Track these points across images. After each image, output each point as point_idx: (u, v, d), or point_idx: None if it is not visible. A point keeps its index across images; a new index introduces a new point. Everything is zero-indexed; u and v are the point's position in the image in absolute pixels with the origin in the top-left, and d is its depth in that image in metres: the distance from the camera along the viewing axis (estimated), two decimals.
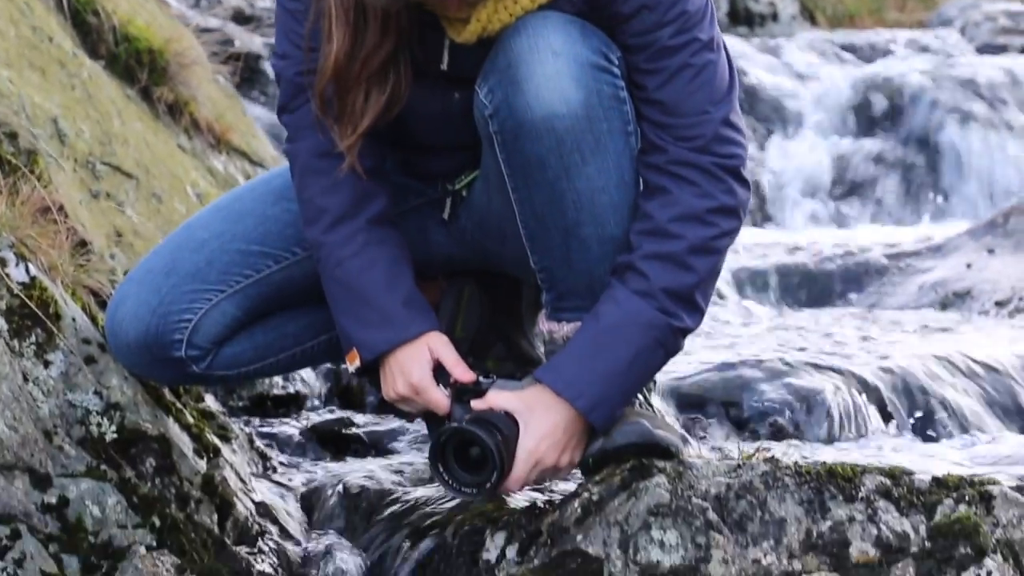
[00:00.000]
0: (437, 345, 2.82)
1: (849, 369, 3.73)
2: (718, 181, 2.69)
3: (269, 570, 2.94)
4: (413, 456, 3.37)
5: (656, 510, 2.65)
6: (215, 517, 2.96)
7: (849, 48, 8.24)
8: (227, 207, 3.02)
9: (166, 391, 3.08)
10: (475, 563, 2.83)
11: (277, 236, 2.97)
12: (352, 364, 2.85)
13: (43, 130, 3.58)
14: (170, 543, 2.82)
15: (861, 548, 2.63)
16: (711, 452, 3.17)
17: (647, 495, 2.67)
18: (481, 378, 2.83)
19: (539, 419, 2.73)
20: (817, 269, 5.30)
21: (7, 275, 2.89)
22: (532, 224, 2.75)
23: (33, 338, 2.87)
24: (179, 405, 3.11)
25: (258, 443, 3.40)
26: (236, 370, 2.99)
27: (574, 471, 2.84)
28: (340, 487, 3.19)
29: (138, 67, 4.23)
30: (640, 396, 2.87)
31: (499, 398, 2.76)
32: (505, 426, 2.73)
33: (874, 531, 2.63)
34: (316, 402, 3.78)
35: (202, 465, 3.01)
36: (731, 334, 4.36)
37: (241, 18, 6.20)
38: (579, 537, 2.69)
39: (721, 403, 3.61)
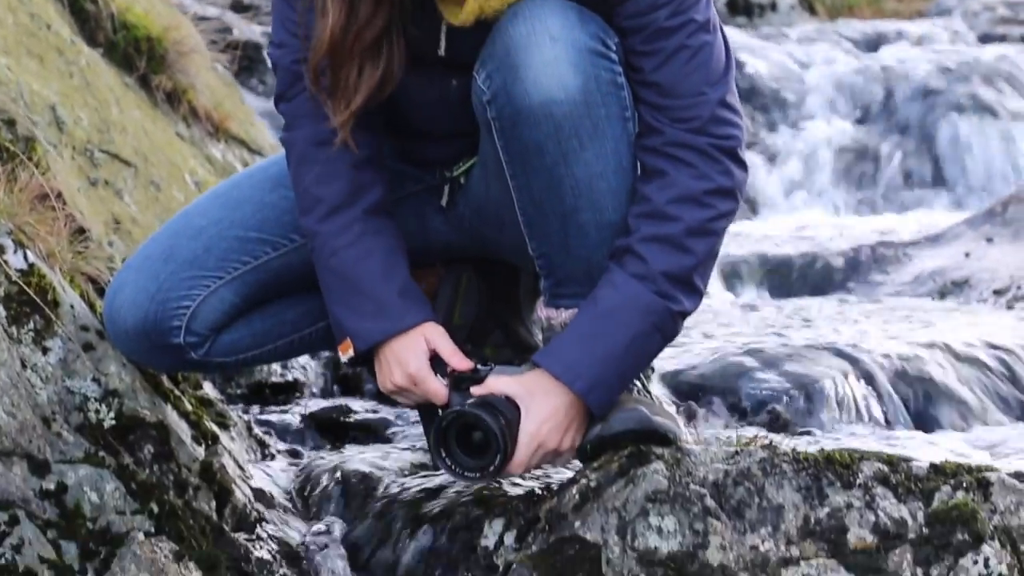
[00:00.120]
0: (433, 335, 2.82)
1: (847, 357, 3.73)
2: (715, 162, 2.69)
3: (267, 556, 2.94)
4: (412, 443, 3.37)
5: (654, 496, 2.66)
6: (213, 504, 2.97)
7: (848, 38, 8.24)
8: (225, 194, 3.02)
9: (164, 378, 3.09)
10: (473, 549, 2.83)
11: (275, 223, 2.97)
12: (345, 354, 2.84)
13: (41, 117, 3.58)
14: (168, 529, 2.83)
15: (859, 534, 2.63)
16: (709, 439, 3.17)
17: (645, 481, 2.67)
18: (479, 366, 2.83)
19: (540, 402, 2.73)
20: (815, 258, 5.30)
21: (5, 262, 2.89)
22: (530, 210, 2.75)
23: (31, 325, 2.88)
24: (177, 392, 3.11)
25: (256, 430, 3.40)
26: (234, 357, 2.99)
27: (572, 459, 2.85)
28: (338, 474, 3.19)
29: (136, 55, 4.24)
30: (638, 383, 2.87)
31: (499, 383, 2.77)
32: (507, 410, 2.73)
33: (872, 517, 2.63)
34: (314, 390, 3.78)
35: (200, 452, 3.01)
36: (729, 323, 4.36)
37: (239, 7, 6.21)
38: (577, 523, 2.69)
39: (719, 391, 3.61)
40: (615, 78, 2.67)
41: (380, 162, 2.88)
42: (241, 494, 3.03)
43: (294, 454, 3.40)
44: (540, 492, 2.85)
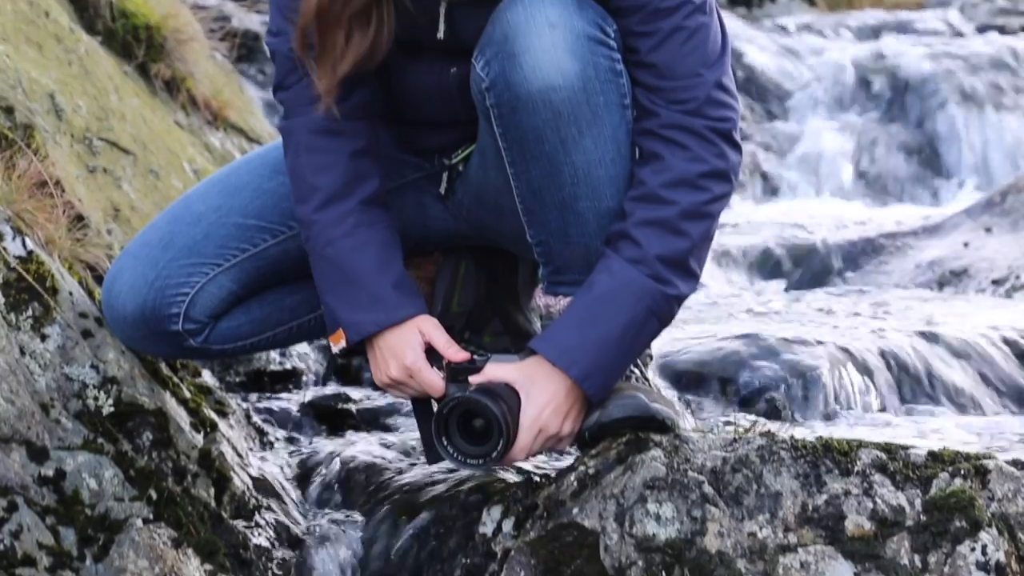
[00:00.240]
0: (428, 328, 2.82)
1: (846, 346, 3.73)
2: (710, 145, 2.69)
3: (266, 544, 2.94)
4: (410, 431, 3.37)
5: (652, 483, 2.66)
6: (212, 491, 2.97)
7: (848, 28, 8.23)
8: (223, 180, 3.02)
9: (163, 365, 3.09)
10: (471, 536, 2.83)
11: (273, 210, 2.97)
12: (336, 345, 2.83)
13: (40, 105, 3.58)
14: (167, 516, 2.83)
15: (856, 522, 2.63)
16: (707, 427, 3.18)
17: (643, 468, 2.68)
18: (475, 356, 2.83)
19: (540, 388, 2.73)
20: (814, 247, 5.30)
21: (4, 249, 2.89)
22: (529, 198, 2.75)
23: (30, 312, 2.88)
24: (176, 380, 3.11)
25: (255, 418, 3.41)
26: (233, 344, 2.99)
27: (572, 445, 2.85)
28: (337, 462, 3.19)
29: (135, 43, 4.23)
30: (636, 370, 2.87)
31: (498, 370, 2.77)
32: (507, 396, 2.73)
33: (869, 505, 2.64)
34: (313, 378, 3.78)
35: (199, 439, 3.02)
36: (728, 311, 4.36)
37: None
38: (575, 510, 2.69)
39: (718, 379, 3.62)
40: (613, 65, 2.67)
41: (378, 152, 2.88)
42: (240, 481, 3.04)
43: (293, 442, 3.40)
44: (538, 479, 2.86)
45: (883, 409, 3.60)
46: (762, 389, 3.56)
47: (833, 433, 3.03)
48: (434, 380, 2.80)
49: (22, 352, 2.84)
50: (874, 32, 8.23)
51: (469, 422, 2.75)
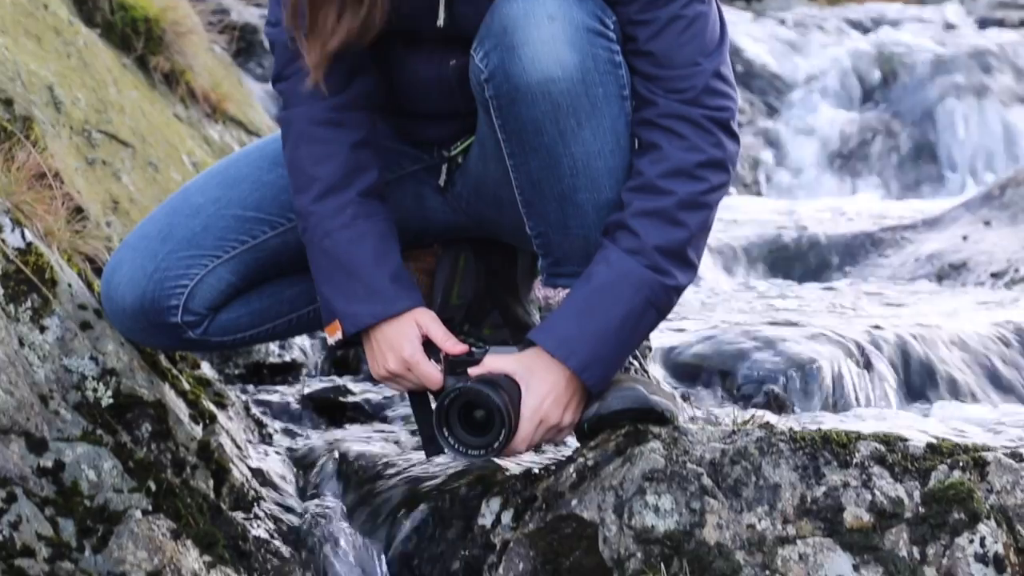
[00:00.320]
0: (425, 320, 2.82)
1: (844, 339, 3.73)
2: (707, 134, 2.69)
3: (265, 535, 2.94)
4: (409, 424, 3.38)
5: (651, 475, 2.66)
6: (211, 483, 2.97)
7: (847, 21, 8.23)
8: (222, 172, 3.02)
9: (162, 357, 3.09)
10: (470, 528, 2.84)
11: (272, 202, 2.96)
12: (332, 336, 2.83)
13: (38, 97, 3.58)
14: (166, 508, 2.83)
15: (855, 513, 2.63)
16: (706, 419, 3.18)
17: (642, 460, 2.68)
18: (473, 349, 2.83)
19: (539, 379, 2.73)
20: (813, 241, 5.30)
21: (3, 240, 2.89)
22: (528, 190, 2.75)
23: (29, 303, 2.88)
24: (175, 371, 3.11)
25: (254, 410, 3.41)
26: (232, 336, 2.99)
27: (571, 436, 2.85)
28: (336, 454, 3.19)
29: (134, 36, 4.23)
30: (635, 362, 2.87)
31: (497, 362, 2.77)
32: (508, 387, 2.73)
33: (868, 497, 2.64)
34: (312, 370, 3.78)
35: (198, 431, 3.02)
36: (726, 304, 4.36)
37: None
38: (574, 502, 2.69)
39: (716, 372, 3.62)
40: (613, 57, 2.67)
41: (377, 144, 2.88)
42: (239, 473, 3.04)
43: (291, 434, 3.40)
44: (537, 471, 2.86)
45: (882, 402, 3.61)
46: (761, 382, 3.57)
47: (832, 425, 3.03)
48: (432, 373, 2.80)
49: (21, 343, 2.84)
50: (873, 26, 8.23)
51: (470, 413, 2.74)
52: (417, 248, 3.06)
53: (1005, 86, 7.20)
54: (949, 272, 4.80)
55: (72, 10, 4.08)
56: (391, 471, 3.10)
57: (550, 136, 2.67)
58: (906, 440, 2.72)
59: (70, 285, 2.95)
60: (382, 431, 3.35)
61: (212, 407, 3.14)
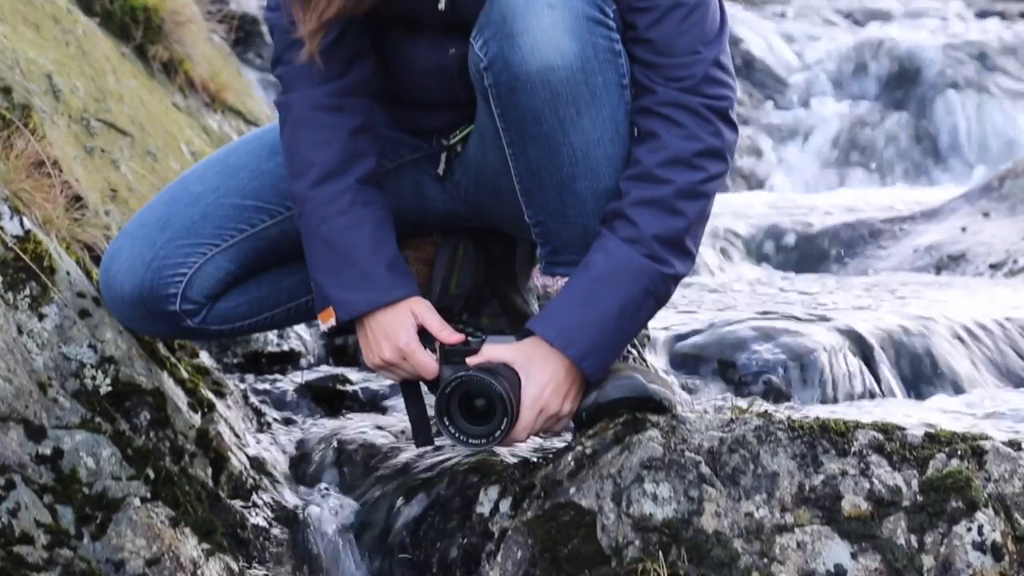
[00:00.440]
0: (420, 310, 2.81)
1: (843, 329, 3.74)
2: (706, 123, 2.69)
3: (263, 523, 2.95)
4: (406, 412, 3.37)
5: (649, 463, 2.66)
6: (209, 471, 2.97)
7: (846, 14, 8.22)
8: (221, 161, 3.02)
9: (160, 346, 3.09)
10: (468, 516, 2.84)
11: (271, 190, 2.96)
12: (325, 323, 2.82)
13: (37, 86, 3.58)
14: (164, 495, 2.83)
15: (853, 502, 2.64)
16: (704, 407, 3.17)
17: (640, 448, 2.68)
18: (469, 338, 2.83)
19: (539, 368, 2.73)
20: (812, 232, 5.30)
21: (1, 228, 2.89)
22: (527, 179, 2.75)
23: (27, 291, 2.88)
24: (173, 360, 3.11)
25: (252, 399, 3.41)
26: (231, 325, 2.99)
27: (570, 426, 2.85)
28: (334, 443, 3.19)
29: (133, 24, 4.23)
30: (634, 351, 2.87)
31: (496, 350, 2.77)
32: (508, 376, 2.73)
33: (866, 485, 2.64)
34: (311, 359, 3.78)
35: (196, 419, 3.02)
36: (726, 295, 4.36)
37: None
38: (572, 490, 2.69)
39: (715, 362, 3.62)
40: (612, 45, 2.67)
41: (375, 131, 2.87)
42: (237, 461, 3.04)
43: (290, 423, 3.40)
44: (535, 460, 2.86)
45: (880, 391, 3.61)
46: (760, 372, 3.57)
47: (830, 415, 3.03)
48: (427, 362, 2.80)
49: (20, 331, 2.84)
50: (873, 17, 8.22)
51: (470, 402, 2.74)
52: (416, 237, 3.06)
53: (1005, 78, 7.20)
54: (948, 263, 4.80)
55: None
56: (389, 460, 3.10)
57: (549, 125, 2.67)
58: (904, 429, 2.72)
59: (69, 273, 2.95)
60: (380, 420, 3.35)
61: (211, 395, 3.14)
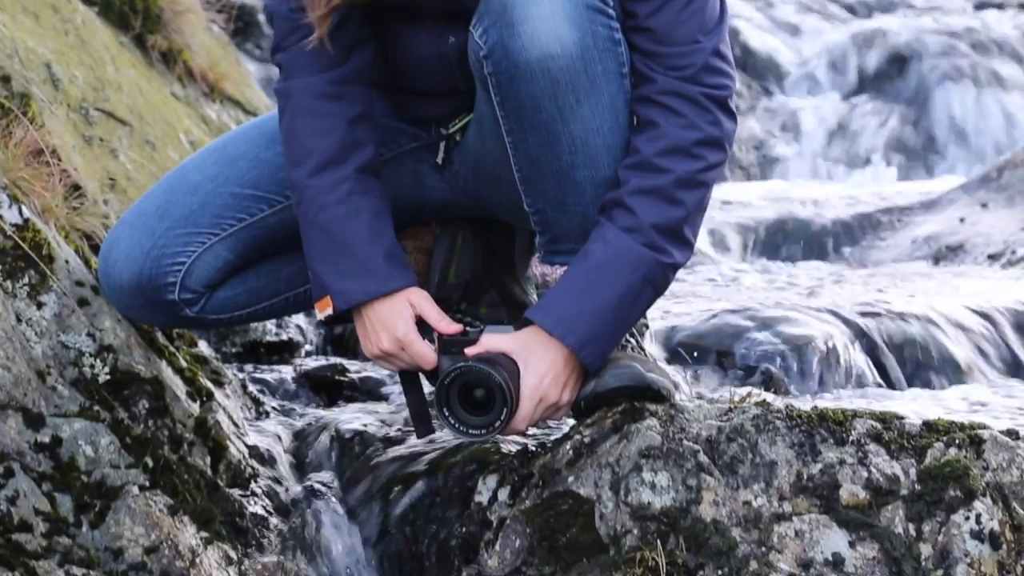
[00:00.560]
0: (418, 300, 2.81)
1: (842, 319, 3.74)
2: (705, 112, 2.69)
3: (261, 512, 2.95)
4: (405, 401, 3.37)
5: (647, 452, 2.66)
6: (208, 459, 2.97)
7: (844, 5, 8.22)
8: (220, 150, 3.02)
9: (159, 335, 3.09)
10: (467, 505, 2.84)
11: (270, 179, 2.96)
12: (322, 312, 2.82)
13: (36, 74, 3.57)
14: (163, 484, 2.83)
15: (851, 491, 2.64)
16: (703, 397, 3.18)
17: (639, 437, 2.68)
18: (468, 328, 2.83)
19: (538, 357, 2.73)
20: (810, 223, 5.31)
21: (0, 216, 2.89)
22: (526, 167, 2.75)
23: (26, 279, 2.88)
24: (172, 349, 3.11)
25: (251, 388, 3.41)
26: (229, 314, 2.99)
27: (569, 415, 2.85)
28: (333, 432, 3.20)
29: (132, 14, 4.23)
30: (633, 340, 2.88)
31: (494, 340, 2.76)
32: (507, 365, 2.73)
33: (864, 474, 2.64)
34: (309, 349, 3.78)
35: (195, 408, 3.02)
36: (724, 285, 4.37)
37: None
38: (571, 479, 2.69)
39: (714, 352, 3.62)
40: (612, 34, 2.67)
41: (374, 120, 2.87)
42: (236, 450, 3.04)
43: (288, 412, 3.41)
44: (534, 448, 2.86)
45: (879, 381, 3.61)
46: (758, 361, 3.57)
47: (829, 404, 3.04)
48: (426, 352, 2.80)
49: (18, 319, 2.84)
50: (870, 9, 8.22)
51: (470, 392, 2.74)
52: (415, 227, 3.06)
53: (1003, 69, 7.20)
54: (946, 254, 4.81)
55: None
56: (387, 449, 3.11)
57: (549, 113, 2.67)
58: (902, 418, 2.72)
59: (67, 261, 2.95)
60: (378, 409, 3.35)
61: (209, 384, 3.14)
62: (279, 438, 3.23)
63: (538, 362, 2.73)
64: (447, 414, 2.73)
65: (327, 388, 3.54)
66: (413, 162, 2.99)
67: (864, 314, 3.78)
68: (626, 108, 2.71)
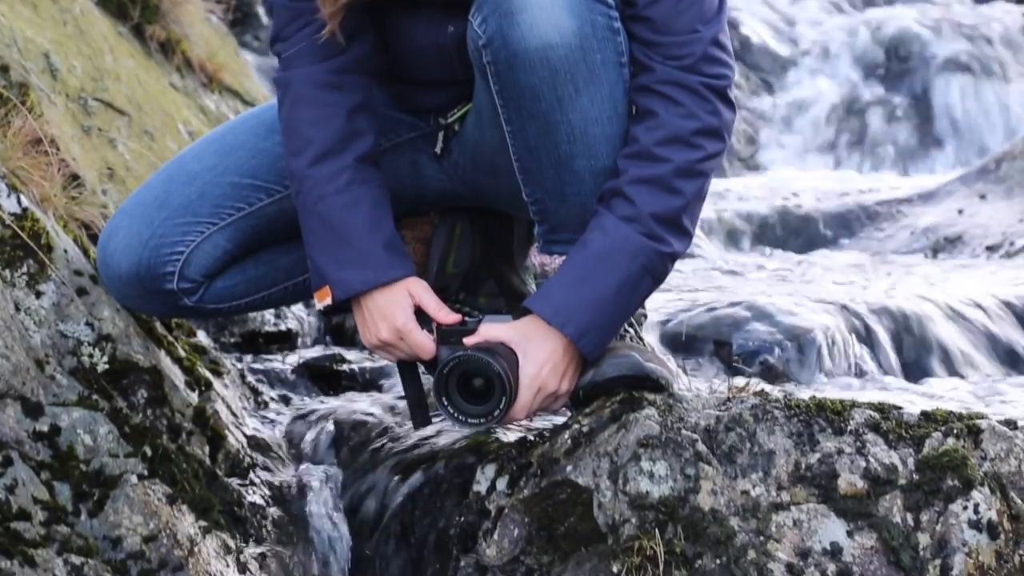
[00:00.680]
0: (417, 290, 2.81)
1: (840, 310, 3.74)
2: (704, 101, 2.69)
3: (260, 501, 2.95)
4: (403, 392, 3.37)
5: (646, 441, 2.66)
6: (206, 449, 2.98)
7: None
8: (219, 140, 3.02)
9: (158, 324, 3.09)
10: (465, 495, 2.84)
11: (269, 169, 2.96)
12: (321, 302, 2.82)
13: (34, 64, 3.57)
14: (161, 473, 2.84)
15: (849, 480, 2.64)
16: (701, 387, 3.18)
17: (637, 427, 2.68)
18: (466, 318, 2.83)
19: (537, 346, 2.73)
20: (809, 214, 5.31)
21: None
22: (525, 157, 2.75)
23: (25, 268, 2.88)
24: (171, 338, 3.11)
25: (250, 378, 3.41)
26: (228, 303, 2.99)
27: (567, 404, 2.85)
28: (331, 422, 3.20)
29: (130, 4, 4.22)
30: (631, 330, 2.88)
31: (493, 330, 2.77)
32: (506, 355, 2.73)
33: (862, 463, 2.64)
34: (308, 339, 3.78)
35: (194, 398, 3.02)
36: (723, 276, 4.37)
37: None
38: (569, 468, 2.69)
39: (712, 342, 3.62)
40: (611, 23, 2.67)
41: (374, 110, 2.87)
42: (234, 440, 3.04)
43: (287, 402, 3.41)
44: (532, 438, 2.86)
45: (877, 372, 3.61)
46: (757, 352, 3.57)
47: (827, 394, 3.04)
48: (424, 342, 2.80)
49: (17, 308, 2.84)
50: (871, 1, 8.21)
51: (468, 382, 2.74)
52: (413, 216, 3.06)
53: (1002, 61, 7.20)
54: (944, 245, 4.81)
55: None
56: (386, 438, 3.11)
57: (548, 102, 2.67)
58: (900, 408, 2.72)
59: (66, 251, 2.95)
60: (377, 399, 3.35)
61: (208, 374, 3.14)
62: (278, 428, 3.23)
63: (537, 351, 2.73)
64: (446, 403, 2.73)
65: (326, 378, 3.54)
66: (412, 152, 2.99)
67: (862, 305, 3.79)
68: (625, 97, 2.71)
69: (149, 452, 2.85)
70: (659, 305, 3.76)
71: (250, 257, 2.99)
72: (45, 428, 2.76)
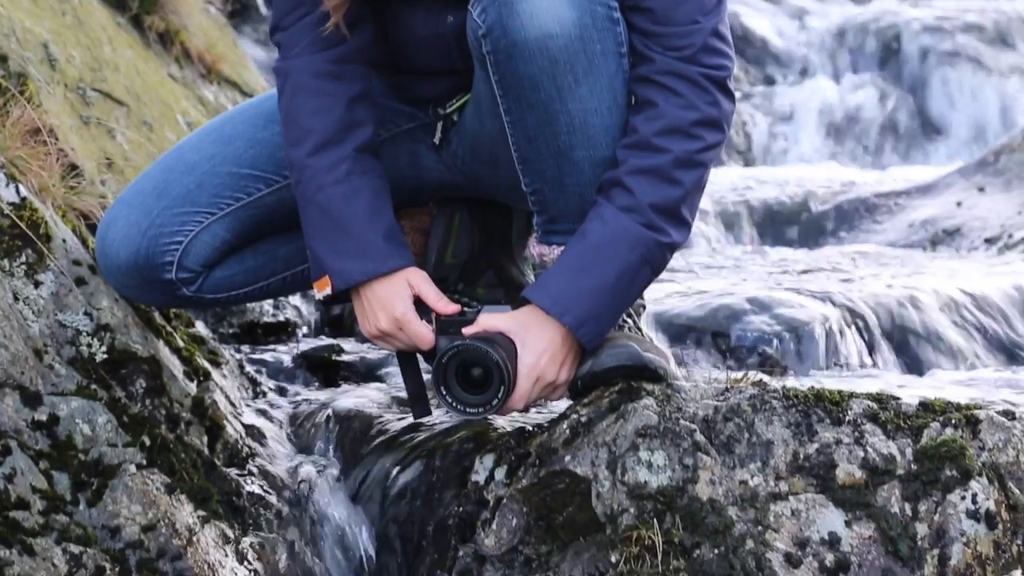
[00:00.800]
0: (417, 280, 2.82)
1: (838, 302, 3.75)
2: (704, 92, 2.69)
3: (258, 491, 2.95)
4: (402, 382, 3.38)
5: (644, 431, 2.66)
6: (205, 439, 2.98)
7: None
8: (217, 130, 3.01)
9: (156, 314, 3.09)
10: (464, 484, 2.84)
11: (267, 159, 2.96)
12: (321, 292, 2.83)
13: (33, 54, 3.57)
14: (160, 462, 2.84)
15: (847, 470, 2.64)
16: (700, 377, 3.18)
17: (635, 417, 2.68)
18: (465, 308, 2.83)
19: (535, 336, 2.73)
20: (808, 207, 5.31)
21: None
22: (524, 147, 2.75)
23: (23, 258, 2.88)
24: (169, 328, 3.11)
25: (248, 369, 3.41)
26: (226, 293, 2.99)
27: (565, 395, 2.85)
28: (329, 412, 3.20)
29: None
30: (630, 320, 2.88)
31: (492, 320, 2.77)
32: (504, 344, 2.73)
33: (860, 454, 2.65)
34: (306, 329, 3.78)
35: (192, 388, 3.02)
36: (721, 268, 4.37)
37: None
38: (567, 458, 2.70)
39: (710, 333, 3.63)
40: (611, 13, 2.67)
41: (373, 100, 2.87)
42: (233, 430, 3.04)
43: (285, 392, 3.41)
44: (531, 428, 2.86)
45: (876, 363, 3.62)
46: (755, 343, 3.58)
47: (825, 385, 3.04)
48: (423, 332, 2.80)
49: (15, 298, 2.84)
50: None
51: (467, 371, 2.74)
52: (412, 207, 3.06)
53: (1000, 55, 7.20)
54: (943, 237, 4.81)
55: None
56: (384, 429, 3.11)
57: (547, 92, 2.67)
58: (898, 398, 2.73)
59: (64, 241, 2.95)
60: (375, 390, 3.35)
61: (206, 364, 3.14)
62: (276, 418, 3.23)
63: (535, 341, 2.73)
64: (444, 393, 2.74)
65: (324, 368, 3.54)
66: (410, 142, 2.99)
67: (861, 297, 3.79)
68: (624, 88, 2.71)
69: (148, 442, 2.85)
70: (657, 296, 3.76)
71: (249, 247, 2.99)
72: (44, 417, 2.76)
